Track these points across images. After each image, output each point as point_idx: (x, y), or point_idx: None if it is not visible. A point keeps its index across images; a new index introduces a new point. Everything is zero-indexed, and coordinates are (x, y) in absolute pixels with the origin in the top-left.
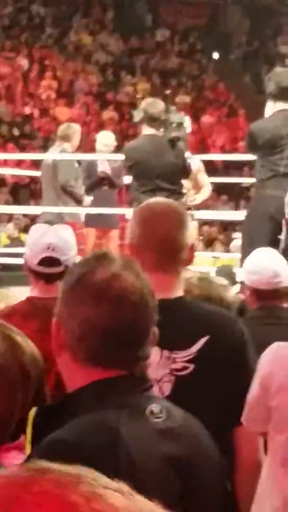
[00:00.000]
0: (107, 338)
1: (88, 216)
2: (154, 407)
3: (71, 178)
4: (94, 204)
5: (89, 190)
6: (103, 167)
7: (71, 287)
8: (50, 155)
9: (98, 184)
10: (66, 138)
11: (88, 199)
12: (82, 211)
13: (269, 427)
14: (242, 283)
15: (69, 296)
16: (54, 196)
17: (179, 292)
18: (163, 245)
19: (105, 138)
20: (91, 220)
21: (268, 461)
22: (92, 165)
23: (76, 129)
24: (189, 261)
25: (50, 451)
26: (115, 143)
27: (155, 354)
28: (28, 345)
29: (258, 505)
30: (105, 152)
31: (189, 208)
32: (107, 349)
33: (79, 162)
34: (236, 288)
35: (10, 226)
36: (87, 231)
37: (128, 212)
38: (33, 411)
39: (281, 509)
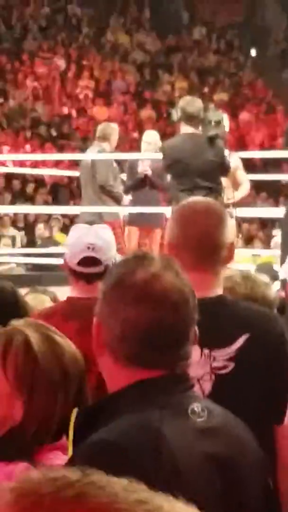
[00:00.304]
0: (148, 338)
1: (131, 215)
2: (196, 406)
3: (109, 177)
4: (136, 203)
5: (129, 190)
6: (143, 167)
7: (111, 287)
8: (88, 155)
9: (139, 184)
10: (104, 137)
11: (127, 198)
12: (121, 210)
13: None
14: (283, 280)
15: (109, 297)
16: (93, 196)
17: (219, 291)
18: (203, 244)
19: (149, 136)
20: (134, 219)
21: None
22: (134, 165)
23: (114, 129)
24: (229, 259)
25: (92, 451)
26: (159, 142)
27: (195, 352)
28: (69, 346)
29: None
30: (150, 151)
31: (227, 206)
32: (148, 349)
33: (117, 161)
34: (276, 285)
35: (41, 226)
36: (130, 229)
37: (168, 211)
38: (74, 412)
39: None
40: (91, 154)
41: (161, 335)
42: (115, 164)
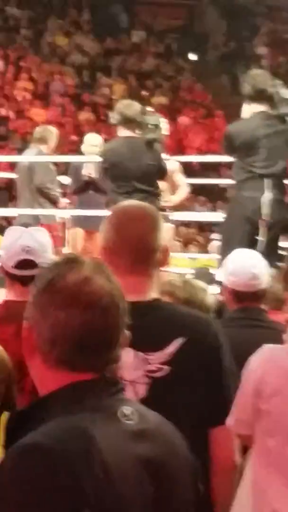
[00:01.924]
0: (78, 342)
1: (75, 217)
2: (126, 409)
3: (47, 180)
4: (79, 206)
5: (75, 194)
6: (88, 170)
7: (41, 290)
8: (26, 158)
9: (84, 187)
10: (42, 140)
11: (64, 201)
12: (59, 213)
13: (256, 431)
14: (220, 283)
15: (40, 300)
16: (30, 198)
17: (154, 294)
18: (137, 247)
19: (93, 139)
20: (78, 221)
21: (253, 464)
22: (78, 168)
23: (52, 131)
24: (163, 262)
25: (22, 454)
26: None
27: (128, 355)
28: None
29: (240, 506)
30: (93, 154)
31: (164, 209)
32: (78, 353)
33: (55, 164)
34: (214, 289)
35: None
36: (75, 231)
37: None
38: (5, 415)
39: None
40: (28, 157)
41: (91, 339)
42: (52, 167)
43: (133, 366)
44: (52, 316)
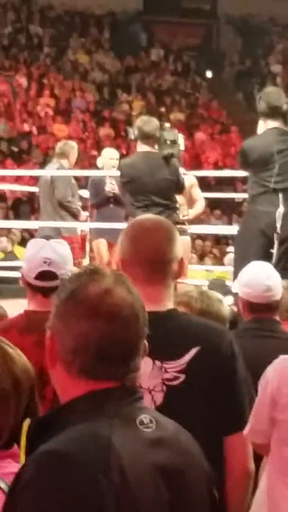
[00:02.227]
0: (100, 352)
1: (98, 230)
2: (144, 417)
3: (68, 193)
4: (99, 219)
5: (96, 208)
6: (111, 185)
7: (65, 301)
8: (48, 172)
9: (105, 201)
10: (63, 155)
11: (84, 214)
12: (79, 226)
13: (272, 440)
14: (235, 295)
15: (62, 311)
16: (51, 211)
17: (170, 305)
18: (153, 259)
19: (112, 153)
20: (101, 233)
21: (268, 473)
22: (99, 183)
23: (73, 146)
24: (179, 274)
25: (43, 461)
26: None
27: (146, 364)
28: (20, 357)
29: None
30: (110, 167)
31: (182, 223)
32: (99, 363)
33: (76, 178)
34: (228, 300)
35: (4, 240)
36: (99, 242)
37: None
38: (27, 422)
39: None
40: (50, 171)
41: (112, 349)
42: (73, 181)
43: (150, 374)
44: (74, 327)
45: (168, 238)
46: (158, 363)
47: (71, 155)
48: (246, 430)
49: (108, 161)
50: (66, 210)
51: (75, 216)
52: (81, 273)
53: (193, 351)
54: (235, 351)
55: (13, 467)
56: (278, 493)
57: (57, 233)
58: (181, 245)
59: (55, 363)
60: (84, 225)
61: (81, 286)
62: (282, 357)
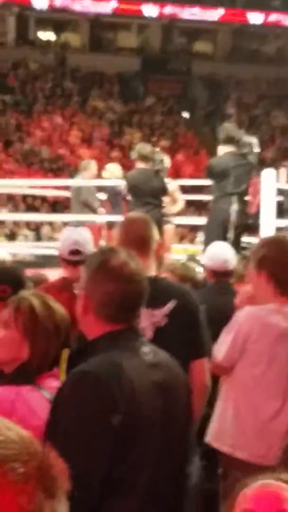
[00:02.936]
0: (121, 303)
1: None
2: (145, 348)
3: (89, 197)
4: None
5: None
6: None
7: (95, 270)
8: (75, 181)
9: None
10: (84, 169)
11: (101, 210)
12: (97, 218)
13: (238, 365)
14: (203, 265)
15: (94, 276)
16: (78, 209)
17: (153, 272)
18: (139, 240)
19: (115, 168)
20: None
21: (233, 387)
22: (113, 188)
23: (91, 163)
24: (160, 250)
25: (77, 378)
26: (119, 172)
27: (142, 311)
28: (59, 308)
29: (222, 417)
30: (114, 178)
31: (168, 216)
32: (120, 311)
33: (95, 186)
34: (199, 269)
35: (47, 228)
36: (112, 233)
37: None
38: (66, 351)
39: (257, 426)
40: (77, 181)
41: (129, 302)
42: (93, 188)
43: (144, 318)
44: (103, 287)
45: (147, 226)
46: (149, 310)
47: (90, 169)
48: (221, 357)
49: (116, 172)
50: (88, 208)
51: (94, 212)
52: (104, 250)
53: (172, 303)
54: (198, 304)
55: (56, 383)
56: (248, 400)
57: (82, 223)
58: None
59: (86, 312)
60: (101, 218)
61: (106, 259)
62: (248, 307)
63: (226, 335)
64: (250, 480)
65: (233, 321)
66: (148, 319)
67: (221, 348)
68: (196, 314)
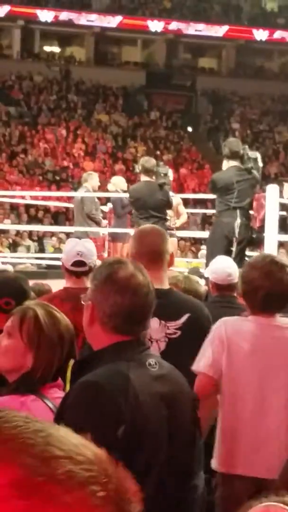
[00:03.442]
0: (127, 315)
1: (113, 233)
2: (151, 360)
3: (92, 208)
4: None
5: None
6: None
7: (103, 281)
8: (77, 193)
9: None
10: (86, 181)
11: (104, 222)
12: (101, 230)
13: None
14: (207, 279)
15: (101, 288)
16: (82, 220)
17: (167, 285)
18: (153, 253)
19: (120, 180)
20: (115, 235)
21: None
22: (119, 199)
23: (92, 175)
24: (171, 263)
25: (82, 388)
26: (124, 185)
27: (156, 323)
28: (63, 318)
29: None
30: (120, 190)
31: (171, 229)
32: (126, 323)
33: (98, 198)
34: (201, 282)
35: (54, 239)
36: (115, 245)
37: (131, 231)
38: (71, 362)
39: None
40: (80, 193)
41: (135, 314)
42: (96, 199)
43: (157, 330)
44: (111, 299)
45: (162, 239)
46: (163, 322)
47: (92, 181)
48: (205, 367)
49: (120, 184)
50: (92, 220)
51: (98, 224)
52: (112, 262)
53: (185, 316)
54: (210, 319)
55: (59, 393)
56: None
57: (86, 235)
58: (171, 244)
59: (92, 323)
60: (104, 230)
61: (114, 271)
62: (225, 318)
63: (206, 347)
64: (254, 502)
65: (214, 331)
66: (162, 331)
67: (201, 360)
68: (209, 328)
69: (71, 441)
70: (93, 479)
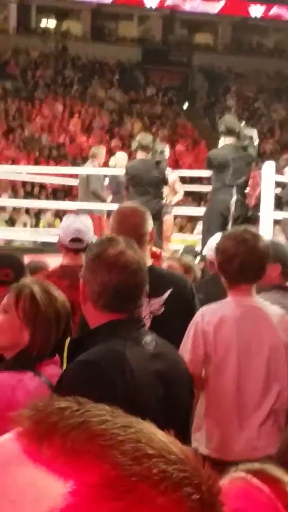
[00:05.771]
0: (117, 293)
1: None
2: (147, 338)
3: (98, 186)
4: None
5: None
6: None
7: (92, 259)
8: (83, 169)
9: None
10: (94, 156)
11: (109, 199)
12: (104, 207)
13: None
14: (203, 256)
15: (91, 265)
16: (86, 198)
17: (149, 262)
18: (133, 231)
19: (124, 155)
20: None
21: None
22: (115, 176)
23: (101, 150)
24: (151, 240)
25: (78, 367)
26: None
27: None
28: (60, 295)
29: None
30: (122, 166)
31: (168, 206)
32: (116, 300)
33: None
34: (197, 260)
35: (49, 215)
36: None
37: None
38: (68, 340)
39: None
40: (84, 168)
41: (125, 291)
42: (102, 177)
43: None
44: (99, 277)
45: (142, 217)
46: (146, 299)
47: (99, 156)
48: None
49: (121, 161)
50: (97, 198)
51: (103, 202)
52: (103, 240)
53: (168, 292)
54: (193, 292)
55: (56, 370)
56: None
57: (87, 213)
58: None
59: (86, 301)
60: (102, 206)
61: (103, 249)
62: (203, 308)
63: (187, 340)
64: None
65: (194, 323)
66: (147, 308)
67: (183, 353)
68: (192, 302)
69: (160, 438)
70: (187, 480)
